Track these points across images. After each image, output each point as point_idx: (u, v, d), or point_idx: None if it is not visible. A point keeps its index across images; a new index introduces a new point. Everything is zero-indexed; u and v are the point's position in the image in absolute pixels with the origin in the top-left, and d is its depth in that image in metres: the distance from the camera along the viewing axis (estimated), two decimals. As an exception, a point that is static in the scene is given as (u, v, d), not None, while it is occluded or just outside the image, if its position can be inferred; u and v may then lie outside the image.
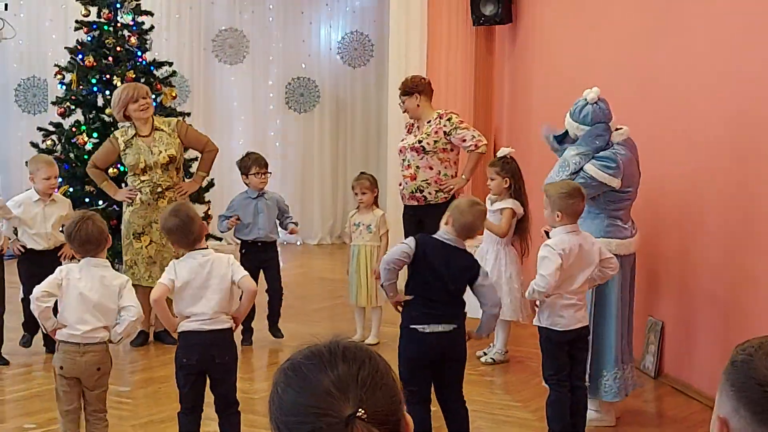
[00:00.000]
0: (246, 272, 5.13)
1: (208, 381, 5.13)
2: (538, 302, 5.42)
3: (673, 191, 6.79)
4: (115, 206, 8.63)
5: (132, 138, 7.67)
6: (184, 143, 7.89)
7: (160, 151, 7.69)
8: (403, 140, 8.32)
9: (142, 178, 7.69)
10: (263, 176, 7.95)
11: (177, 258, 5.19)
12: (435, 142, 8.03)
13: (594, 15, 8.15)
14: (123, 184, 8.09)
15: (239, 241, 8.03)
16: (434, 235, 5.28)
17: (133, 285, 7.53)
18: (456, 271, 5.18)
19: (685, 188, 6.68)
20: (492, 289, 5.33)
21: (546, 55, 9.16)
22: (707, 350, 6.35)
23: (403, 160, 8.22)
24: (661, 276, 6.94)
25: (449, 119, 8.07)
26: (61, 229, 7.18)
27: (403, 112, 8.30)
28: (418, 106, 8.13)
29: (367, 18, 13.89)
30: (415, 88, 8.15)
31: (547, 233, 5.56)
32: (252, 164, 7.94)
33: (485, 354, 7.50)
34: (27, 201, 7.38)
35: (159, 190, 7.70)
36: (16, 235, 7.39)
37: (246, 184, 8.01)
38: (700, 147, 6.51)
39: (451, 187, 8.03)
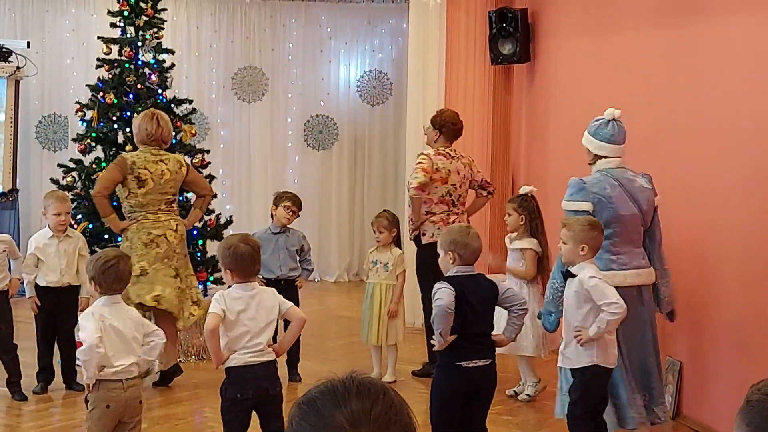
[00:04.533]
0: (291, 302, 5.23)
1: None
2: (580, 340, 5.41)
3: (690, 229, 6.77)
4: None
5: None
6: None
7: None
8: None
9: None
10: (290, 212, 7.93)
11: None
12: None
13: (611, 55, 8.17)
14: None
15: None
16: (453, 274, 5.28)
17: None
18: (488, 298, 5.27)
19: (703, 227, 6.66)
20: (512, 291, 5.44)
21: (563, 94, 9.18)
22: (726, 391, 6.31)
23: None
24: (680, 316, 6.91)
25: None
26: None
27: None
28: (433, 141, 8.24)
29: (386, 56, 13.95)
30: (435, 123, 8.26)
31: (569, 273, 5.52)
32: (284, 197, 7.94)
33: (516, 393, 7.46)
34: (42, 238, 7.40)
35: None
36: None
37: (271, 216, 8.01)
38: (717, 186, 6.50)
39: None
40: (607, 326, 5.31)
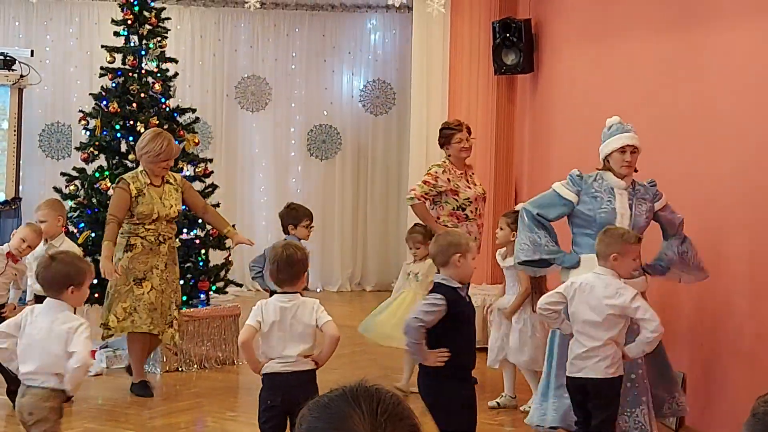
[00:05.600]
0: (330, 318, 5.16)
1: None
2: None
3: (694, 239, 6.76)
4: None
5: (145, 187, 7.67)
6: (187, 197, 7.91)
7: (171, 205, 7.72)
8: (469, 188, 8.05)
9: (148, 226, 7.66)
10: (311, 229, 7.91)
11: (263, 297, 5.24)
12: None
13: (614, 65, 8.17)
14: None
15: (267, 289, 8.06)
16: (449, 285, 5.28)
17: (131, 332, 7.65)
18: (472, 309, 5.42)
19: (707, 237, 6.65)
20: None
21: (567, 104, 9.18)
22: (730, 402, 6.29)
23: (476, 209, 8.04)
24: (683, 328, 6.89)
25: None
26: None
27: (466, 149, 8.08)
28: None
29: (389, 66, 13.95)
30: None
31: None
32: (304, 217, 7.89)
33: (498, 404, 7.47)
34: (40, 250, 7.38)
35: (161, 240, 7.74)
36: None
37: (285, 231, 7.91)
38: (721, 196, 6.49)
39: None
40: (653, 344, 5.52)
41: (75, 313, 5.02)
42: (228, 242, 8.87)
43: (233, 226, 8.22)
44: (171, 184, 7.79)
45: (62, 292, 4.88)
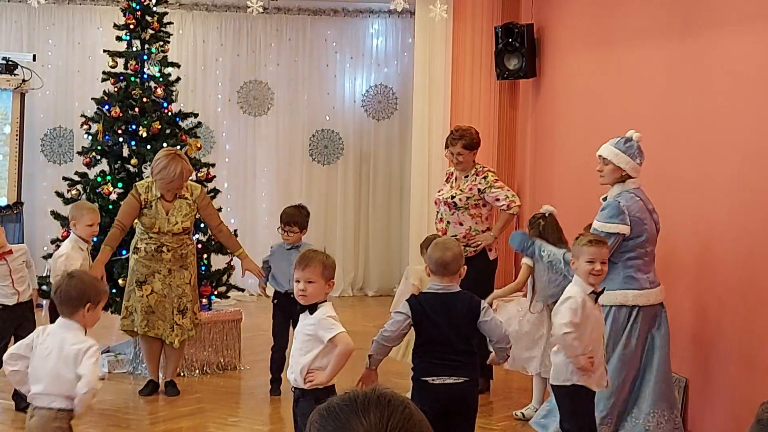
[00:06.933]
0: (343, 329, 5.04)
1: None
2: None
3: (696, 245, 6.75)
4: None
5: (155, 200, 7.70)
6: (202, 214, 7.97)
7: (177, 222, 7.71)
8: (440, 191, 8.23)
9: (151, 235, 7.73)
10: (287, 233, 7.96)
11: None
12: (467, 198, 7.99)
13: (617, 71, 8.17)
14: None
15: (268, 292, 8.10)
16: (426, 290, 5.29)
17: (128, 331, 7.73)
18: (458, 320, 5.14)
19: (709, 243, 6.65)
20: (495, 324, 5.24)
21: (569, 109, 9.18)
22: (732, 407, 6.28)
23: (437, 212, 8.19)
24: (684, 332, 6.88)
25: (485, 177, 8.03)
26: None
27: (456, 163, 8.10)
28: (474, 161, 8.13)
29: (391, 71, 13.94)
30: (477, 144, 8.11)
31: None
32: (283, 221, 7.97)
33: (524, 415, 7.37)
34: (76, 251, 7.43)
35: (164, 249, 7.75)
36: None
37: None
38: (724, 202, 6.49)
39: (479, 242, 7.97)
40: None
41: (86, 334, 4.91)
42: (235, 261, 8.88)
43: (234, 232, 8.22)
44: (185, 199, 7.78)
45: (78, 310, 4.82)
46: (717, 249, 6.56)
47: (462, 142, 8.01)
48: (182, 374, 8.45)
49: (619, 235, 6.05)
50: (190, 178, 8.01)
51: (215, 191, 9.37)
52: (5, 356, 4.89)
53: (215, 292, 9.13)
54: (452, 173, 8.23)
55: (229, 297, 9.53)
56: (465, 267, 5.27)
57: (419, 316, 5.12)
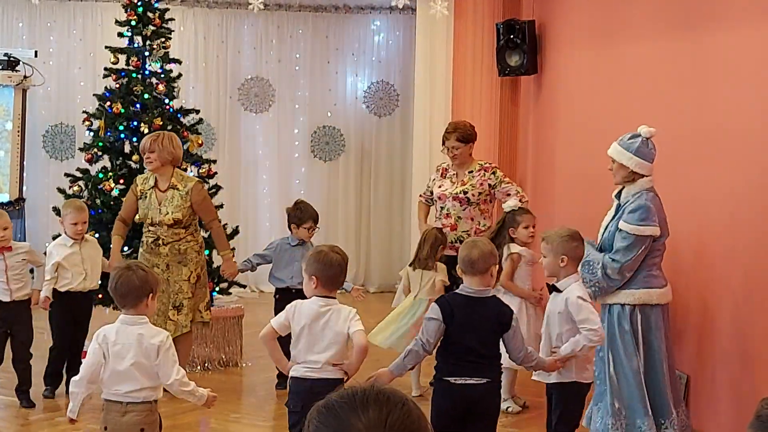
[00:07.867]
0: (362, 327, 5.08)
1: None
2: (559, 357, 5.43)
3: (698, 241, 6.75)
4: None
5: (150, 189, 7.69)
6: (194, 209, 7.78)
7: (167, 212, 7.65)
8: (441, 187, 8.22)
9: (148, 227, 7.74)
10: (313, 231, 8.00)
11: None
12: (480, 194, 8.01)
13: (619, 67, 8.16)
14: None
15: (269, 289, 8.11)
16: (457, 291, 5.27)
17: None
18: (485, 326, 5.12)
19: (711, 238, 6.65)
20: (520, 342, 5.22)
21: (571, 106, 9.17)
22: (733, 404, 6.29)
23: (442, 207, 8.15)
24: (686, 330, 6.89)
25: (494, 173, 8.09)
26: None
27: (452, 157, 8.16)
28: (470, 154, 8.14)
29: (392, 68, 13.93)
30: (472, 137, 8.14)
31: (554, 287, 5.52)
32: (308, 219, 7.96)
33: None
34: (62, 247, 7.51)
35: (160, 242, 7.74)
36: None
37: (289, 228, 8.05)
38: (727, 197, 6.49)
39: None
40: (581, 350, 5.33)
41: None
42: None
43: (235, 228, 8.21)
44: (178, 190, 7.73)
45: (142, 301, 4.88)
46: (718, 246, 6.56)
47: (456, 135, 8.07)
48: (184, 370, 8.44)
49: (651, 237, 6.01)
50: (190, 173, 8.00)
51: (216, 188, 9.37)
52: (76, 385, 4.94)
53: (216, 289, 9.13)
54: (446, 168, 8.24)
55: (230, 293, 9.53)
56: (496, 267, 5.25)
57: (448, 318, 5.10)
